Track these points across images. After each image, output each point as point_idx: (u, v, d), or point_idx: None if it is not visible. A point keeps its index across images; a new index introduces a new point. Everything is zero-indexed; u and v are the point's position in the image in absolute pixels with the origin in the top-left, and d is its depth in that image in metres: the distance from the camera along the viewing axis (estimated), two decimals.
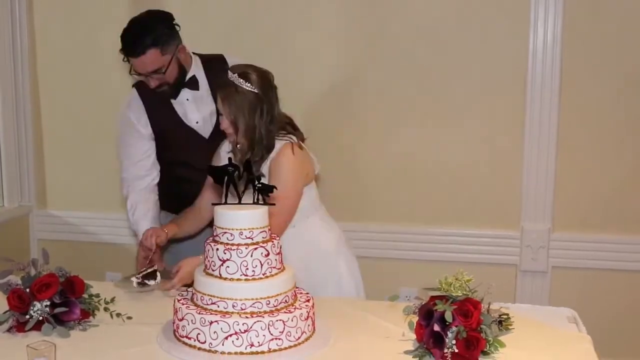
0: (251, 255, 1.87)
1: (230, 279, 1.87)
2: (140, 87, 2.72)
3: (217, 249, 1.89)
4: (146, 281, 2.30)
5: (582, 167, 3.26)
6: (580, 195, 3.28)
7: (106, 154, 3.61)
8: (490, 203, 3.33)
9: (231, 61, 2.78)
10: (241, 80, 2.31)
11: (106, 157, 3.61)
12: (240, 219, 1.90)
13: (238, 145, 2.39)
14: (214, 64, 2.74)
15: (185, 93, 2.69)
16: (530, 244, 3.29)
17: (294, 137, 2.40)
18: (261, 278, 1.88)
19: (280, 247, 1.97)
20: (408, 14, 3.27)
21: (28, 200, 3.69)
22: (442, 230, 3.34)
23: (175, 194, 2.75)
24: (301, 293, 2.01)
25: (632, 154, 3.22)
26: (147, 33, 2.52)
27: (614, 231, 3.26)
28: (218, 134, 2.68)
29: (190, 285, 2.13)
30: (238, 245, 1.88)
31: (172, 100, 2.69)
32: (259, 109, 2.32)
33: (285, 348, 1.84)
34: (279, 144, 2.36)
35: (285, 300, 1.90)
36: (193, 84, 2.69)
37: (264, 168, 2.35)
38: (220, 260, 1.88)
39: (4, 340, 1.94)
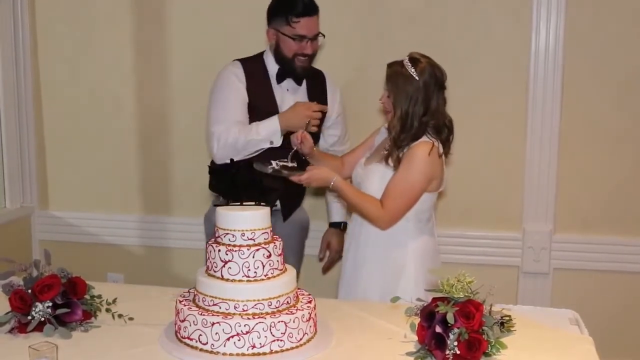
0: (253, 257, 1.87)
1: (232, 280, 1.87)
2: (243, 61, 2.77)
3: (219, 250, 1.89)
4: (283, 170, 2.36)
5: (584, 169, 3.25)
6: (582, 197, 3.27)
7: (108, 155, 3.61)
8: (491, 204, 3.33)
9: (328, 80, 2.89)
10: (409, 63, 2.36)
11: (108, 158, 3.61)
12: (242, 220, 1.90)
13: (390, 125, 2.41)
14: (311, 72, 2.83)
15: (289, 82, 2.76)
16: (532, 245, 3.28)
17: (440, 144, 2.39)
18: (263, 279, 1.88)
19: (282, 248, 1.97)
20: (410, 15, 3.27)
21: (30, 201, 3.69)
22: (444, 232, 3.31)
23: (239, 182, 2.66)
24: (303, 294, 2.01)
25: (634, 155, 3.22)
26: None
27: (615, 233, 3.26)
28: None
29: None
30: (240, 246, 1.88)
31: (275, 86, 2.75)
32: (414, 97, 2.34)
33: (287, 349, 1.84)
34: (422, 139, 2.37)
35: (287, 302, 1.90)
36: (299, 78, 2.77)
37: (401, 154, 2.38)
38: (222, 261, 1.88)
39: (6, 341, 1.94)
